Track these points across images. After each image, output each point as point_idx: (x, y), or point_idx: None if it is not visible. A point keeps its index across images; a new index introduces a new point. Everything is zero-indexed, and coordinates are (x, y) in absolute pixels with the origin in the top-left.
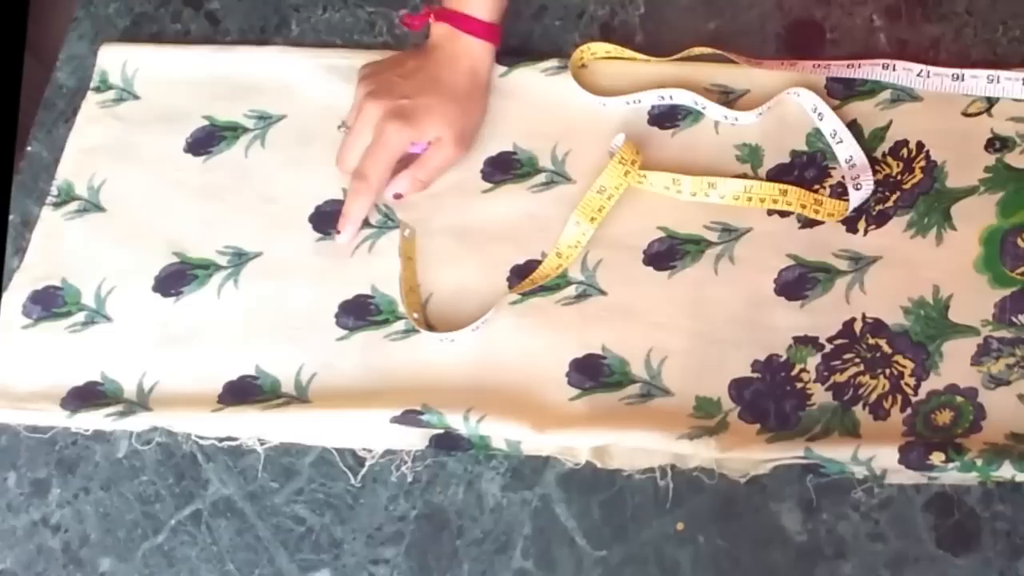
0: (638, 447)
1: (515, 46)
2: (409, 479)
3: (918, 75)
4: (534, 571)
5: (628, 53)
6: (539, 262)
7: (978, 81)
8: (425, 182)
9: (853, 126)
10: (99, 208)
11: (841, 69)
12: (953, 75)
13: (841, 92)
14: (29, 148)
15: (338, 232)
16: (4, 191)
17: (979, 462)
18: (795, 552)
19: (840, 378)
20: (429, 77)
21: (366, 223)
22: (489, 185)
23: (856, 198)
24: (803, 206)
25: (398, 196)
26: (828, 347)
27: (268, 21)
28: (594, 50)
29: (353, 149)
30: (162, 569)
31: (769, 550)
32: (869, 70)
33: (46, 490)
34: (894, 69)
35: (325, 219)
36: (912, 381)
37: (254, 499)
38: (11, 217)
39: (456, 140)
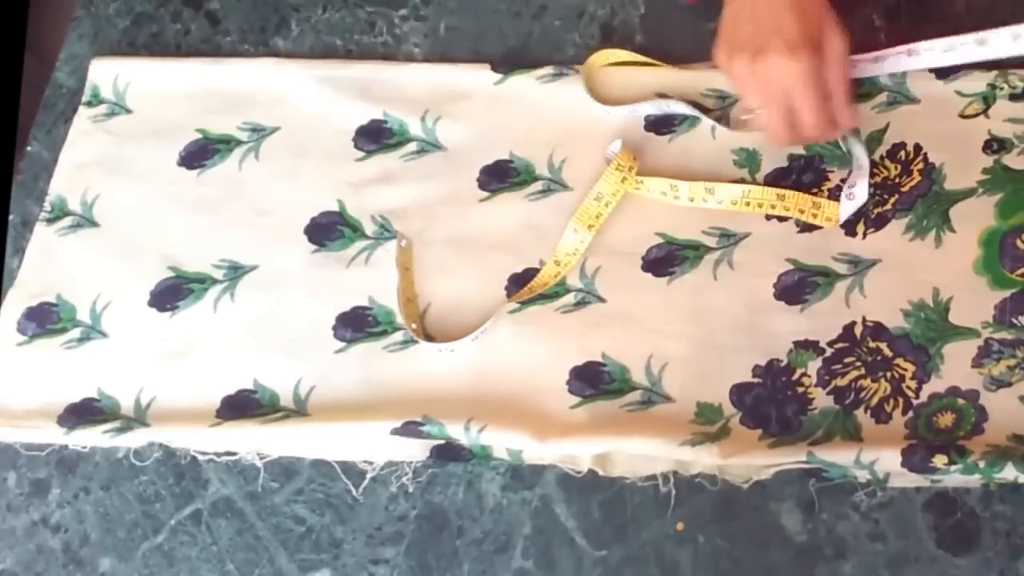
0: (640, 454)
1: (515, 46)
2: (409, 478)
3: (944, 52)
4: (534, 571)
5: (634, 58)
6: (537, 270)
7: (1001, 38)
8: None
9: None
10: (93, 223)
11: (867, 65)
12: (977, 40)
13: None
14: (29, 148)
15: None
16: (4, 191)
17: (982, 464)
18: (795, 552)
19: (841, 382)
20: (753, 14)
21: (362, 234)
22: (486, 194)
23: (849, 206)
24: (801, 210)
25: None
26: (829, 351)
27: (268, 21)
28: (602, 59)
29: (777, 116)
30: (162, 569)
31: (769, 550)
32: (895, 60)
33: (46, 490)
34: (919, 54)
35: (320, 231)
36: (913, 384)
37: (254, 499)
38: (11, 217)
39: (795, 45)
